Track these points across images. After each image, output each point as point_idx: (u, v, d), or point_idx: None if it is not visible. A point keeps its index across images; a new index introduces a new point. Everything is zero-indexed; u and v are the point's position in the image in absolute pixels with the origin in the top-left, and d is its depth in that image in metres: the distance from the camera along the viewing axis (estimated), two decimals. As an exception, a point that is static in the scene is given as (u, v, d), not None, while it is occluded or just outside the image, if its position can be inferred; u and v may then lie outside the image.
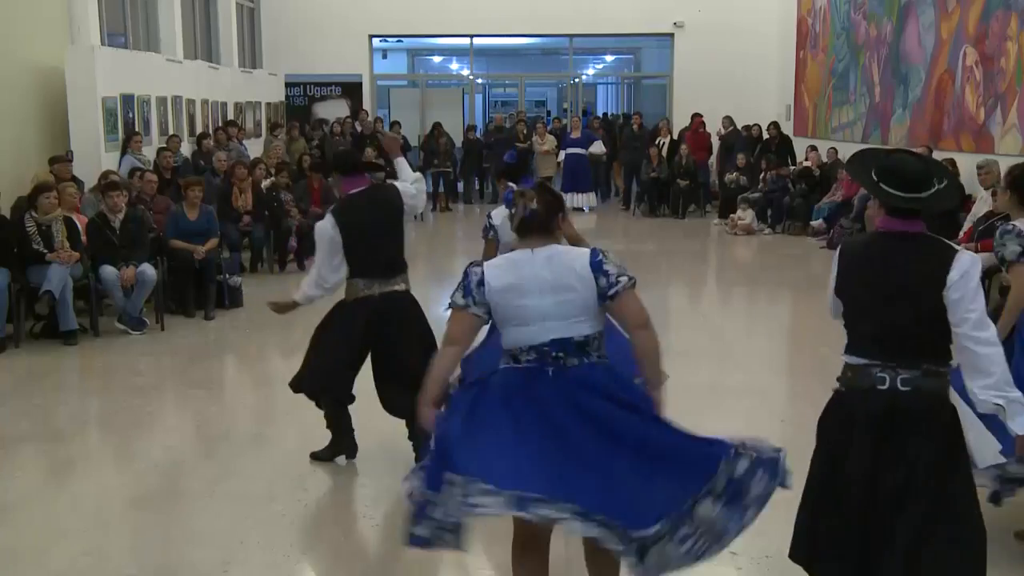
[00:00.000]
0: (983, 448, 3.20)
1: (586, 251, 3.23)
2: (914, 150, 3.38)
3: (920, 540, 3.06)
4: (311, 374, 5.07)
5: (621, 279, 3.16)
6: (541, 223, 3.25)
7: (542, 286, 3.16)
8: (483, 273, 3.22)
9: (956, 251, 3.06)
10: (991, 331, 3.02)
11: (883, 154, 3.29)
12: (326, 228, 4.84)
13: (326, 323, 5.09)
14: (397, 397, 4.86)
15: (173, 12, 13.84)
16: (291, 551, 4.17)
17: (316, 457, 5.20)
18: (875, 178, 3.16)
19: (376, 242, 4.93)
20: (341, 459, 5.22)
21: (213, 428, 5.86)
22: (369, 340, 4.95)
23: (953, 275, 2.98)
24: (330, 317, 5.09)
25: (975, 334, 2.97)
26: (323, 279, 4.93)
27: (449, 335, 3.30)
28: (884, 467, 3.10)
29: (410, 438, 5.03)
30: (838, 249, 3.32)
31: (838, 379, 3.26)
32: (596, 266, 3.16)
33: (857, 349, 3.18)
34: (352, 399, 5.14)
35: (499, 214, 5.02)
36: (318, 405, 5.17)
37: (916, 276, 3.07)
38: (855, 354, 3.17)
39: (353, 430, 5.20)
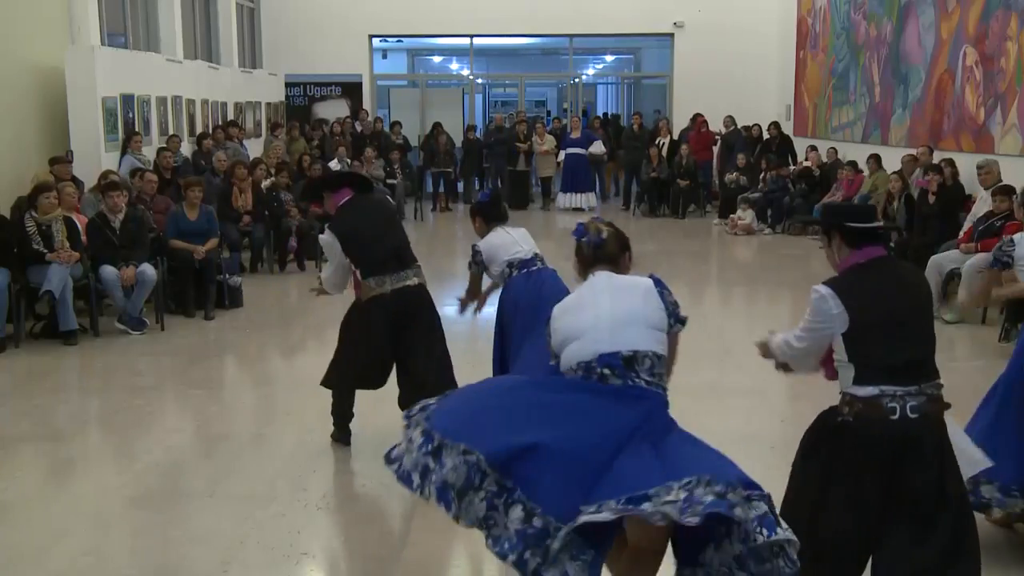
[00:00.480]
0: (967, 459, 3.29)
1: (646, 277, 3.33)
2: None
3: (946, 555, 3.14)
4: (341, 373, 5.34)
5: (679, 312, 3.32)
6: (609, 254, 3.34)
7: (605, 299, 3.22)
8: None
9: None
10: None
11: (835, 206, 3.61)
12: (327, 239, 5.13)
13: (347, 322, 5.37)
14: (412, 396, 4.93)
15: (173, 12, 13.84)
16: (291, 551, 4.17)
17: (336, 439, 5.43)
18: (830, 219, 3.39)
19: (373, 241, 5.12)
20: (341, 460, 5.22)
21: (213, 428, 5.86)
22: (392, 339, 5.17)
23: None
24: (348, 317, 5.36)
25: None
26: (334, 284, 5.30)
27: None
28: (893, 496, 3.16)
29: None
30: (830, 291, 3.20)
31: (843, 410, 3.22)
32: (661, 288, 3.29)
33: (869, 379, 3.15)
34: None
35: (487, 243, 5.37)
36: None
37: (918, 296, 3.24)
38: (867, 384, 3.15)
39: (349, 421, 5.43)
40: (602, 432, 3.03)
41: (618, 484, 2.89)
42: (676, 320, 3.32)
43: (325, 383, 5.43)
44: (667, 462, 2.96)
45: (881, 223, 3.37)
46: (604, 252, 3.33)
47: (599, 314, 3.19)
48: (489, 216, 5.53)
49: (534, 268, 5.37)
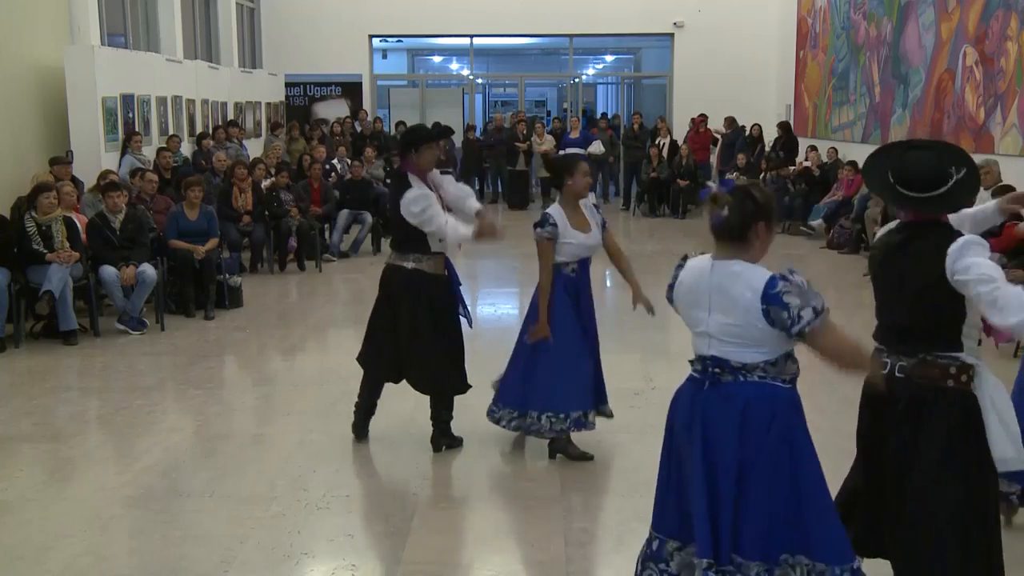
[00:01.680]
0: (1001, 450, 3.13)
1: (763, 277, 2.92)
2: (925, 140, 3.34)
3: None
4: (365, 350, 5.45)
5: (804, 314, 2.84)
6: (732, 232, 2.96)
7: (712, 304, 2.98)
8: (676, 272, 3.13)
9: (954, 236, 3.08)
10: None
11: (897, 154, 3.24)
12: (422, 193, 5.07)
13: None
14: (410, 374, 5.24)
15: (173, 12, 13.83)
16: (291, 551, 4.16)
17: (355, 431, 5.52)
18: (892, 182, 3.18)
19: (388, 217, 5.46)
20: (341, 460, 5.21)
21: (213, 428, 5.85)
22: (389, 315, 5.25)
23: (951, 258, 3.01)
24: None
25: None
26: (455, 227, 5.12)
27: None
28: (885, 446, 3.21)
29: (432, 417, 5.34)
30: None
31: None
32: (772, 298, 2.86)
33: (877, 336, 3.27)
34: (396, 377, 5.36)
35: (557, 212, 5.04)
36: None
37: (935, 270, 3.05)
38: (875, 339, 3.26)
39: (367, 419, 5.51)
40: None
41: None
42: (802, 329, 2.90)
43: (359, 359, 5.51)
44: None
45: (938, 193, 3.11)
46: (727, 232, 2.97)
47: (709, 330, 3.01)
48: (554, 180, 5.26)
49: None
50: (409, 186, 5.07)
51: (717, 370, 2.98)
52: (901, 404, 3.14)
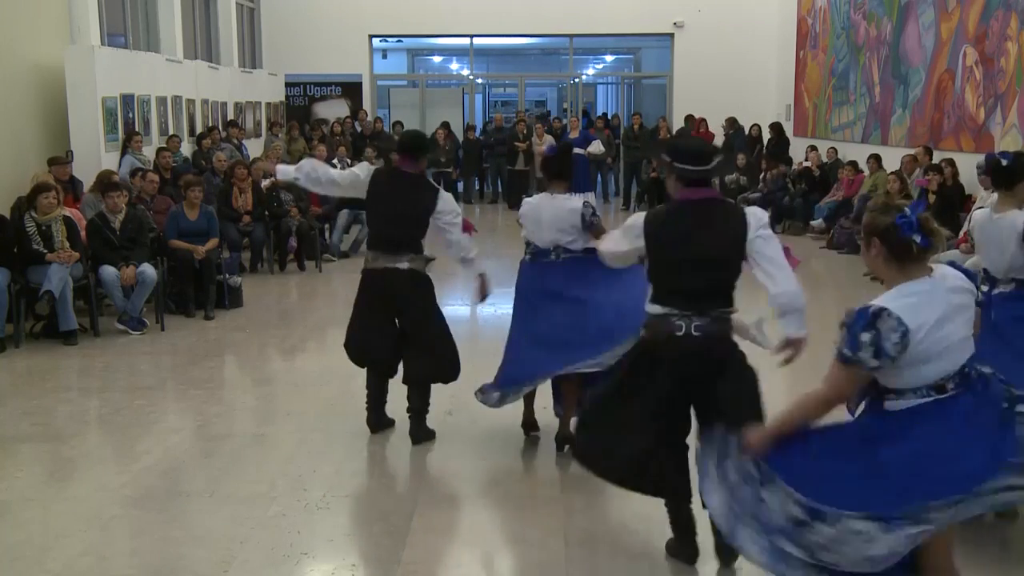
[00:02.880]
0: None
1: (957, 272, 3.07)
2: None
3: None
4: (349, 339, 5.55)
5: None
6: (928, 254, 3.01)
7: (953, 312, 2.96)
8: (896, 317, 2.87)
9: (745, 209, 3.80)
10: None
11: (669, 141, 3.78)
12: (365, 168, 5.37)
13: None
14: (412, 362, 5.39)
15: (173, 12, 13.83)
16: (291, 551, 4.16)
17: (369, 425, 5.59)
18: (667, 157, 3.78)
19: (387, 218, 5.29)
20: (341, 460, 5.21)
21: (213, 428, 5.85)
22: (383, 315, 5.38)
23: (752, 227, 3.66)
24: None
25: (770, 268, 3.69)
26: (328, 175, 5.42)
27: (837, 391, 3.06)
28: (688, 398, 3.75)
29: (408, 410, 5.43)
30: (643, 218, 3.80)
31: (643, 327, 3.81)
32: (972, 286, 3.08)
33: (661, 301, 3.72)
34: (391, 370, 5.51)
35: (528, 206, 5.27)
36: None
37: (722, 237, 3.68)
38: (659, 304, 3.72)
39: (382, 408, 5.58)
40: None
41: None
42: None
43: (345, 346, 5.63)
44: None
45: (707, 167, 3.74)
46: (928, 256, 3.00)
47: (960, 335, 2.99)
48: (547, 172, 5.38)
49: (545, 260, 5.29)
50: (437, 189, 5.41)
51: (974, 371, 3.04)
52: (704, 357, 3.68)
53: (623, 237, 3.91)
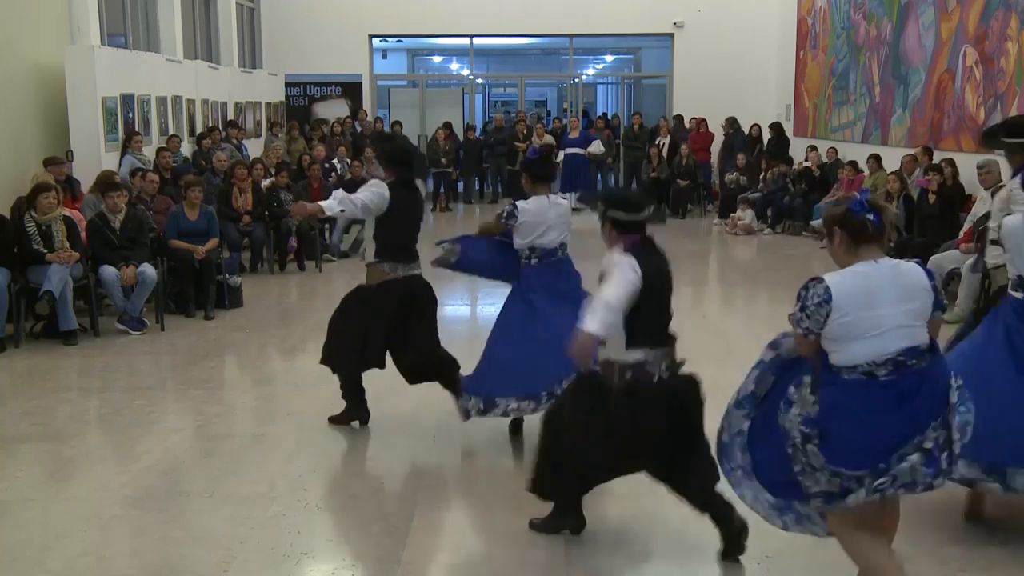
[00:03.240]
0: None
1: (918, 268, 3.38)
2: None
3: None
4: (342, 352, 5.60)
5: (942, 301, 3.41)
6: (884, 234, 3.37)
7: (892, 296, 3.27)
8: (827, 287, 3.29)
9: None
10: None
11: (610, 189, 4.00)
12: (381, 185, 5.40)
13: (348, 304, 5.64)
14: (422, 362, 5.57)
15: (173, 12, 13.83)
16: (291, 551, 4.17)
17: (333, 421, 5.75)
18: (603, 207, 3.93)
19: (409, 229, 5.51)
20: (342, 460, 5.21)
21: (213, 428, 5.85)
22: (400, 317, 5.47)
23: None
24: (353, 299, 5.62)
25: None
26: (361, 202, 5.37)
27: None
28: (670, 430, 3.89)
29: (446, 386, 5.58)
30: (637, 263, 3.77)
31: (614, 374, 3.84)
32: (932, 287, 3.34)
33: (645, 342, 3.81)
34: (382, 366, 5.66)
35: (527, 211, 5.28)
36: (333, 371, 5.72)
37: (668, 273, 3.93)
38: (637, 348, 3.81)
39: (365, 399, 5.73)
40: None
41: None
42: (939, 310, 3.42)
43: (326, 362, 5.73)
44: None
45: (643, 215, 3.90)
46: (882, 233, 3.36)
47: (897, 320, 3.28)
48: (535, 175, 5.43)
49: (553, 259, 5.36)
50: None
51: (913, 362, 3.31)
52: (688, 399, 3.90)
53: (632, 278, 3.74)
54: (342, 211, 5.40)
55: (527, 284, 5.36)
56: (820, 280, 3.31)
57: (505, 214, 5.30)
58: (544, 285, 5.30)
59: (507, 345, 5.29)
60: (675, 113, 18.46)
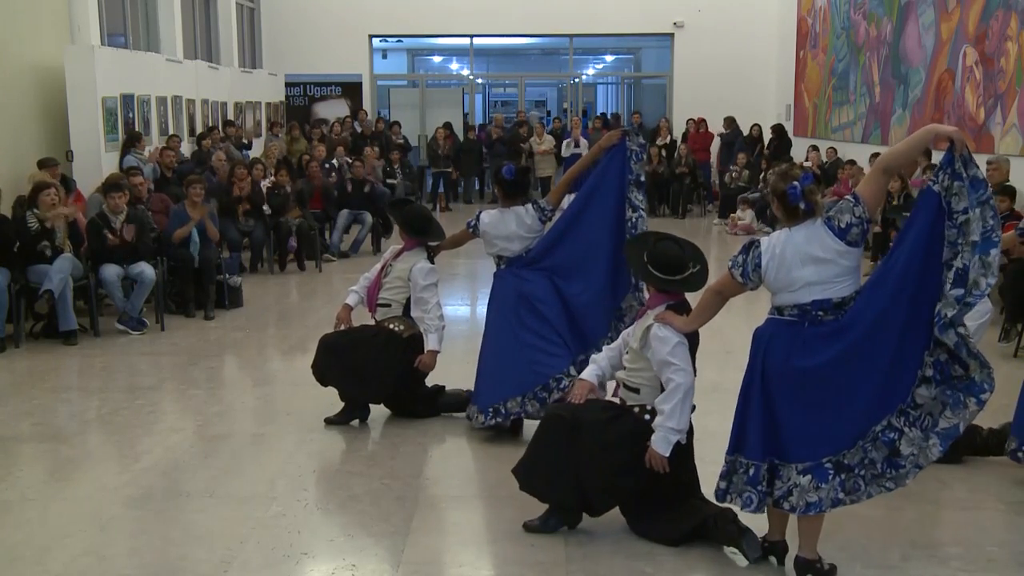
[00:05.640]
0: None
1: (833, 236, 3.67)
2: (674, 236, 4.35)
3: None
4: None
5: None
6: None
7: (804, 259, 3.65)
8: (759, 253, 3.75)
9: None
10: None
11: (652, 241, 4.27)
12: (428, 264, 5.77)
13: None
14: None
15: (173, 12, 13.83)
16: (291, 551, 4.16)
17: (330, 422, 5.77)
18: (645, 261, 4.18)
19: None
20: (342, 460, 5.21)
21: (213, 428, 5.85)
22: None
23: None
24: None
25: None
26: (441, 312, 5.75)
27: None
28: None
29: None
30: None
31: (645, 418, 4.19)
32: (839, 232, 3.64)
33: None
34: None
35: (487, 223, 5.54)
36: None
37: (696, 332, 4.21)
38: None
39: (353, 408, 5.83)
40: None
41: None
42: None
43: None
44: None
45: (675, 279, 4.17)
46: (813, 214, 3.71)
47: (807, 279, 3.69)
48: (506, 192, 5.62)
49: (521, 263, 5.56)
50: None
51: (820, 312, 3.72)
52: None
53: (687, 357, 4.16)
54: (443, 328, 5.69)
55: (501, 286, 5.61)
56: (756, 242, 3.80)
57: (470, 224, 5.63)
58: (514, 284, 5.51)
59: (491, 353, 5.53)
60: (675, 113, 18.47)
